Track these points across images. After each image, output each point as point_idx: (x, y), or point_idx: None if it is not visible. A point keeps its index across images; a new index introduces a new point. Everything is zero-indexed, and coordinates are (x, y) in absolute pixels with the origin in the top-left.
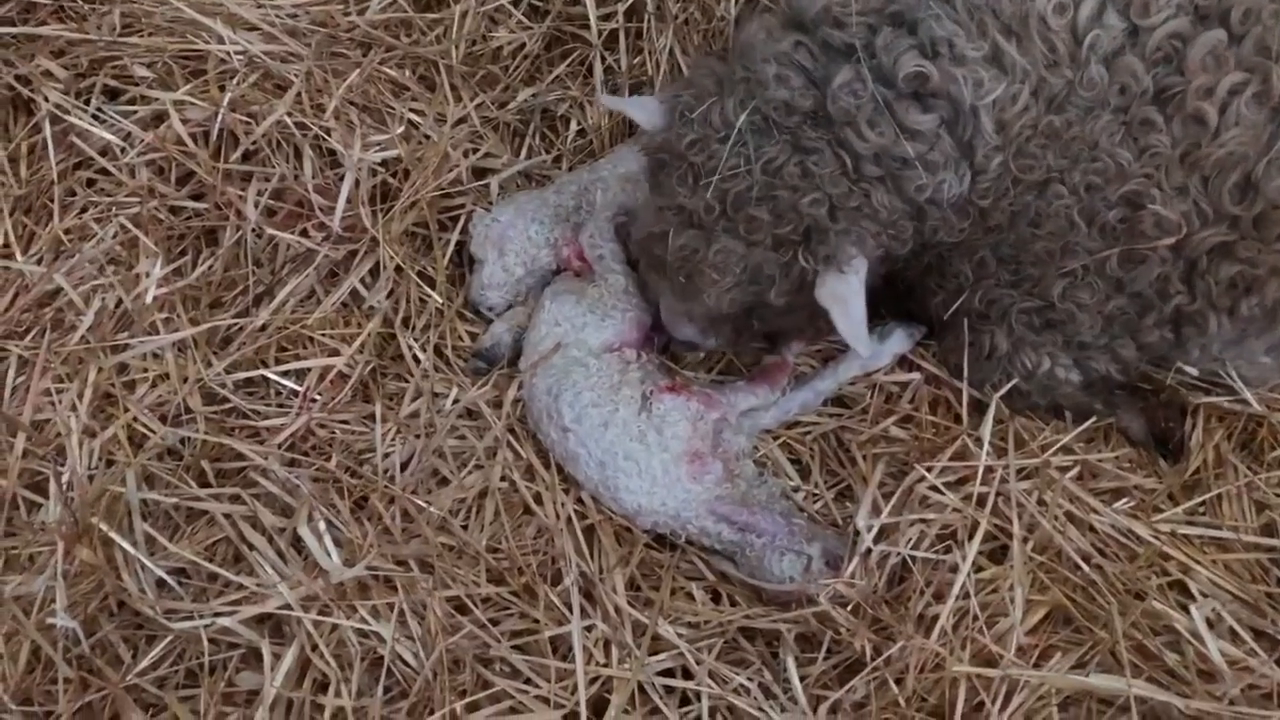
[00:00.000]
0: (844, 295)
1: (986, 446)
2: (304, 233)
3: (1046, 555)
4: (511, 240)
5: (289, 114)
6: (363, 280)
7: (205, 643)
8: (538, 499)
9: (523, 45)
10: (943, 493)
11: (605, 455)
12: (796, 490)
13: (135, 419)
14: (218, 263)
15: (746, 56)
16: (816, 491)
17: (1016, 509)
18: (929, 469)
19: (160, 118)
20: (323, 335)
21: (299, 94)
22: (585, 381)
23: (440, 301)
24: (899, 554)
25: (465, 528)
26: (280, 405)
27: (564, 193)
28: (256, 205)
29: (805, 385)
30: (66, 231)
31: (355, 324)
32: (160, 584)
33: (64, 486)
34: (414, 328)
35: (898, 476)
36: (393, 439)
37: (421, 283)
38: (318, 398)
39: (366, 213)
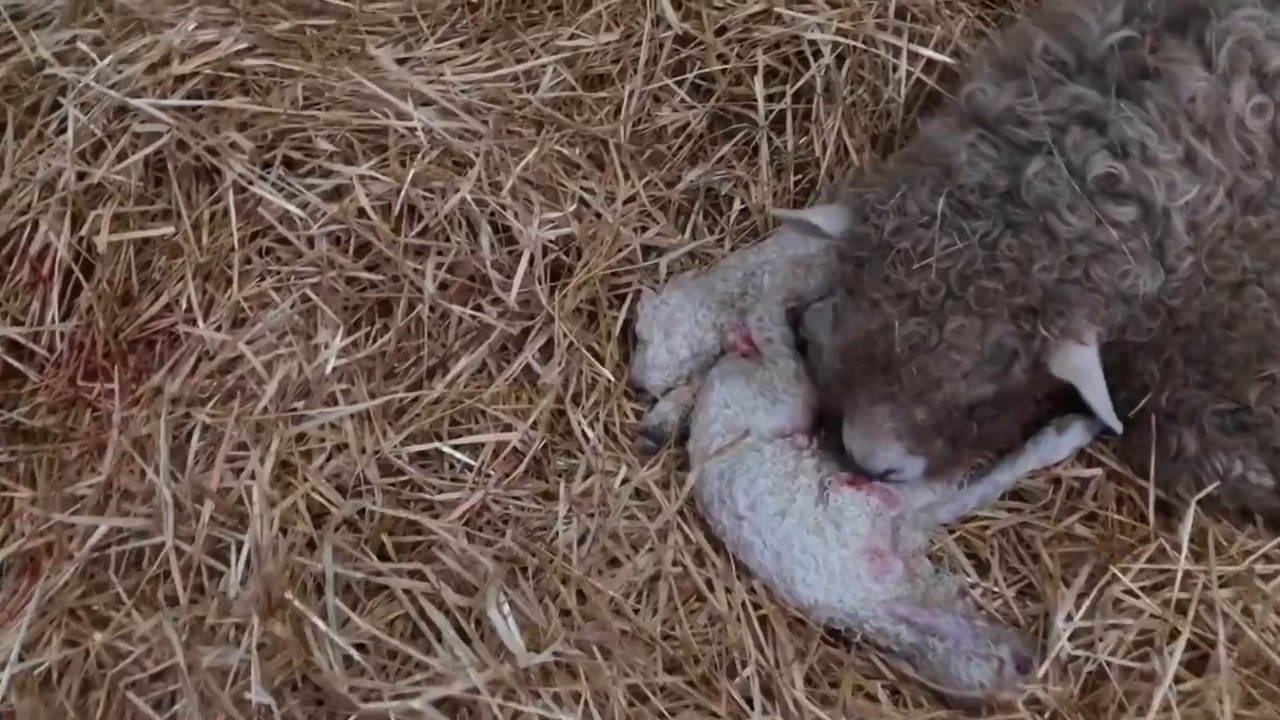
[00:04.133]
0: (1086, 368)
1: (1185, 550)
2: (478, 307)
3: (1253, 669)
4: (678, 323)
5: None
6: (535, 355)
7: None
8: (709, 585)
9: (687, 124)
10: (1139, 597)
11: (781, 546)
12: (975, 587)
13: (314, 489)
14: (393, 335)
15: (929, 150)
16: (996, 589)
17: (1221, 618)
18: (1123, 570)
19: (340, 190)
20: (495, 410)
21: (479, 171)
22: (760, 468)
23: (609, 379)
24: (1095, 660)
25: (637, 612)
26: (454, 479)
27: (730, 278)
28: (434, 279)
29: (983, 479)
30: (246, 299)
31: (527, 399)
32: (345, 660)
33: (247, 557)
34: (583, 404)
35: (1087, 577)
36: (566, 517)
37: (593, 360)
38: (492, 473)
39: (541, 290)
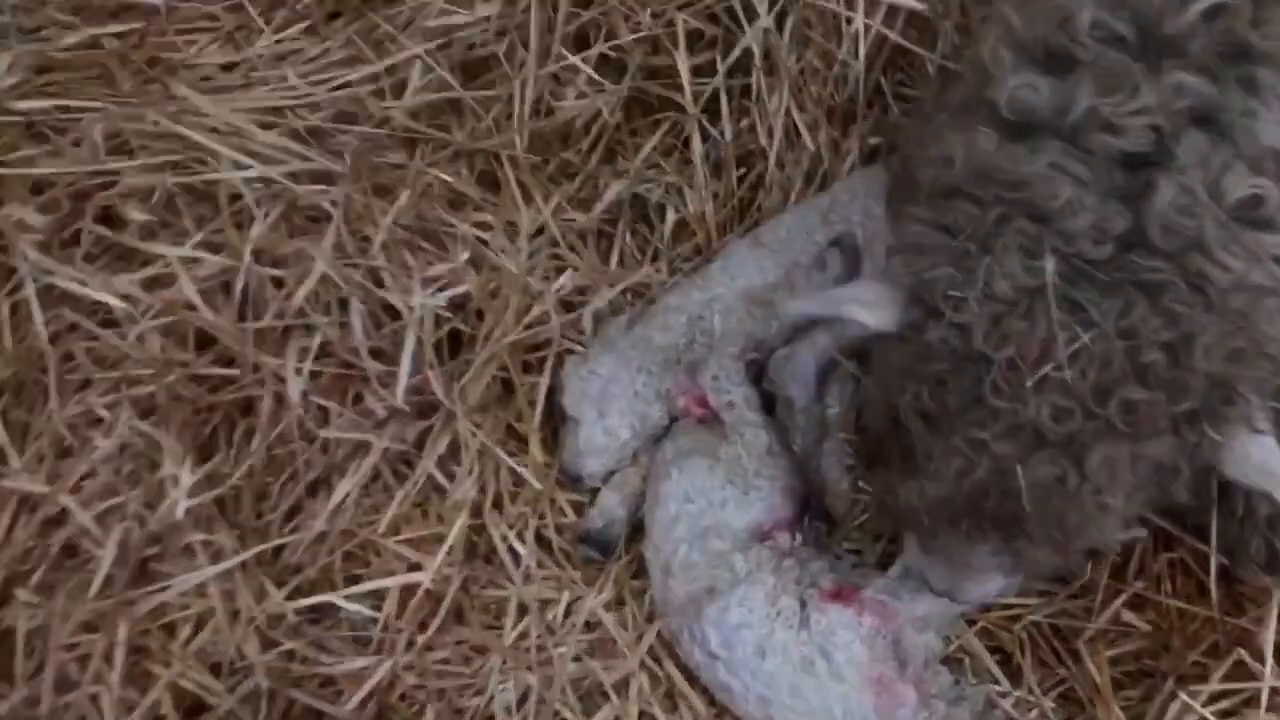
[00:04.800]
0: (1268, 459)
1: (1270, 663)
2: (358, 399)
3: None
4: (614, 397)
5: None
6: (436, 465)
7: None
8: None
9: (598, 114)
10: None
11: (767, 690)
12: (1005, 696)
13: (183, 673)
14: (258, 449)
15: (985, 178)
16: (1032, 698)
17: None
18: (1193, 693)
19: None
20: (397, 545)
21: (337, 229)
22: (733, 594)
23: (534, 471)
24: None
25: None
26: (356, 635)
27: (672, 326)
28: (299, 373)
29: None
30: (70, 424)
31: (436, 517)
32: None
33: None
34: (506, 511)
35: (1141, 683)
36: (502, 673)
37: (509, 458)
38: (403, 629)
39: (436, 376)
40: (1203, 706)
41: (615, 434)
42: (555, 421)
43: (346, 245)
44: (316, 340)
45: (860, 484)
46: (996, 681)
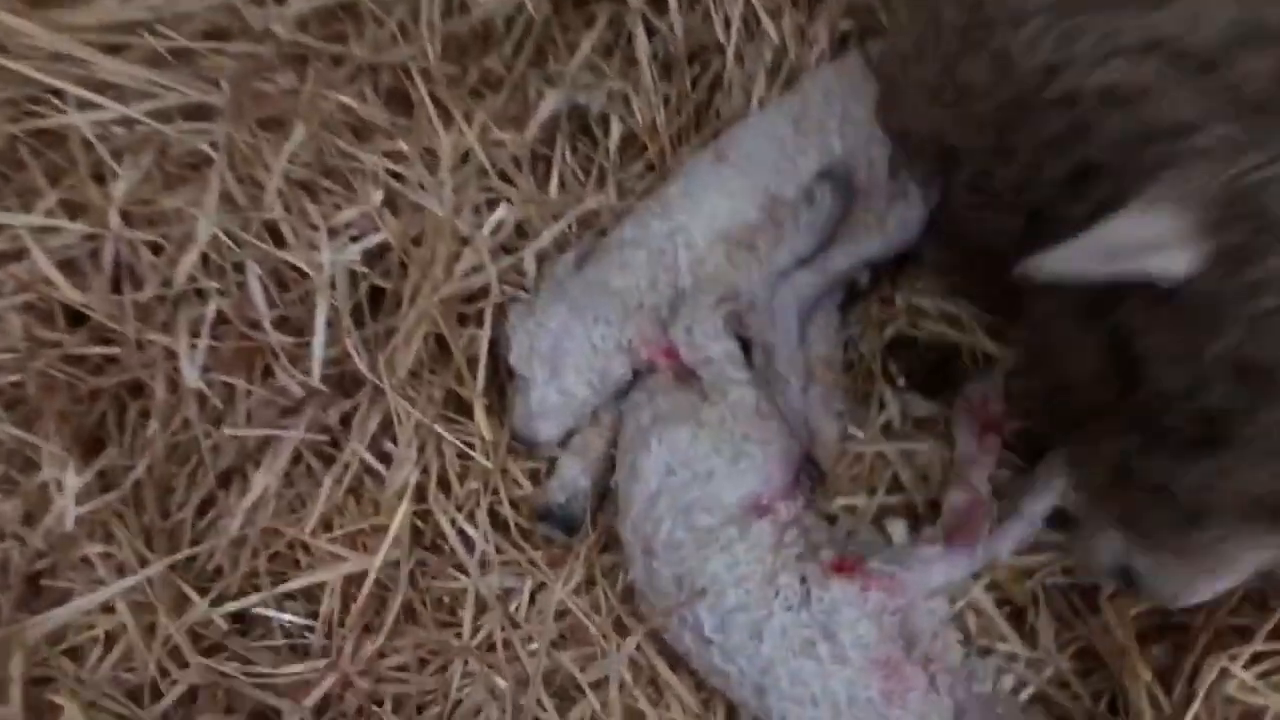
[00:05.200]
0: None
1: None
2: (268, 372)
3: None
4: (568, 353)
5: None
6: (371, 440)
7: None
8: None
9: (520, 8)
10: (1257, 691)
11: (763, 677)
12: (1015, 659)
13: (94, 702)
14: (156, 437)
15: None
16: (1046, 658)
17: None
18: (1232, 655)
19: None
20: (332, 542)
21: (221, 176)
22: (728, 574)
23: (484, 459)
24: None
25: None
26: (292, 643)
27: (631, 265)
28: (194, 347)
29: (1014, 516)
30: None
31: (372, 505)
32: None
33: None
34: (454, 493)
35: (1169, 640)
36: (460, 680)
37: (451, 435)
38: (346, 635)
39: (358, 347)
40: (1243, 669)
41: (571, 393)
42: (502, 380)
43: (235, 195)
44: (211, 309)
45: (851, 431)
46: (1006, 641)
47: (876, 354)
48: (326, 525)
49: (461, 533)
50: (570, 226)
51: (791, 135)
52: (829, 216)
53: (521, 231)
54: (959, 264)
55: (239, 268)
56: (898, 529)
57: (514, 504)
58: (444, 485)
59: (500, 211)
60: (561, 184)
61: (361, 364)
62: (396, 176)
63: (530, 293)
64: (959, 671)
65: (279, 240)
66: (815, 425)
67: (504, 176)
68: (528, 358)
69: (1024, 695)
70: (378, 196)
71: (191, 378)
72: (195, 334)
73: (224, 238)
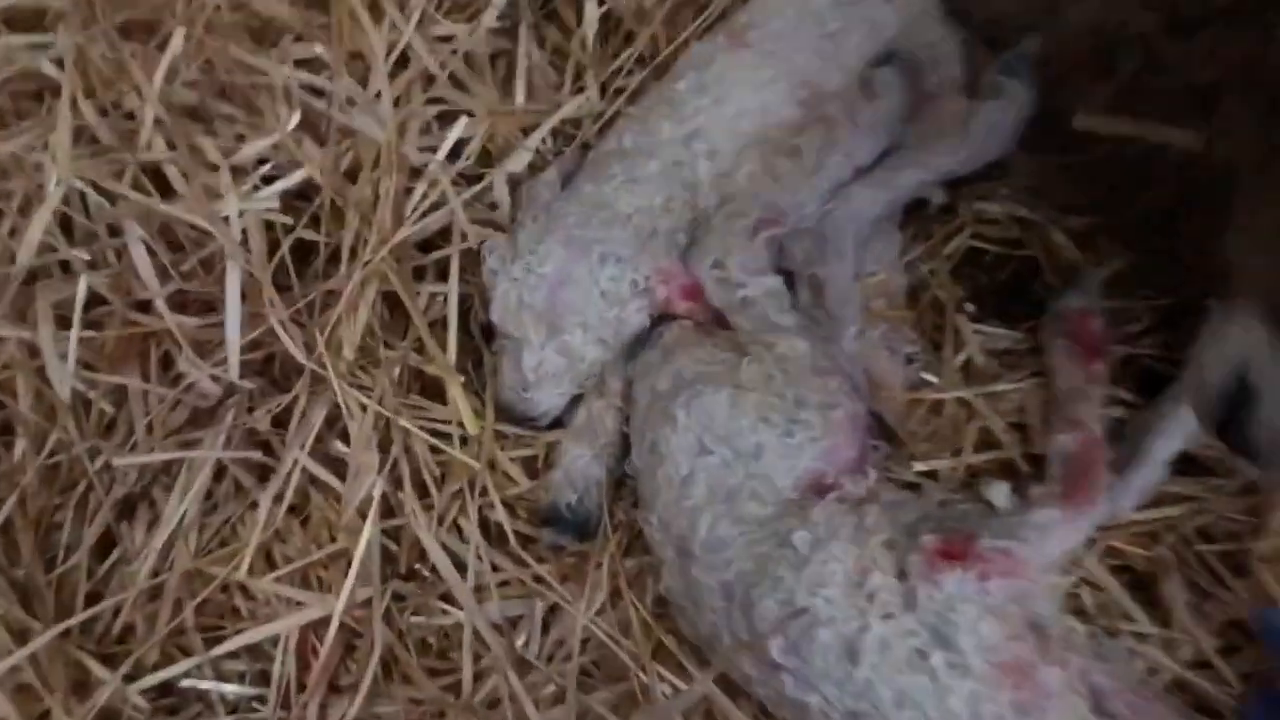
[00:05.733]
0: None
1: None
2: (166, 366)
3: None
4: (571, 303)
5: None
6: (318, 442)
7: None
8: None
9: None
10: None
11: (859, 703)
12: (1145, 639)
13: None
14: (27, 460)
15: None
16: (1182, 636)
17: None
18: None
19: None
20: (279, 582)
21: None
22: (793, 576)
23: (467, 458)
24: None
25: None
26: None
27: (641, 182)
28: (64, 338)
29: (1136, 461)
30: None
31: (325, 528)
32: None
33: None
34: (431, 498)
35: None
36: None
37: (419, 429)
38: (308, 704)
39: (284, 323)
40: None
41: (578, 354)
42: (477, 347)
43: (97, 131)
44: (81, 288)
45: (923, 377)
46: (1134, 620)
47: (944, 278)
48: (269, 560)
49: (447, 551)
50: (545, 141)
51: (829, 6)
52: (893, 113)
53: (485, 156)
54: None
55: (114, 230)
56: (999, 492)
57: (509, 506)
58: (419, 491)
59: (456, 129)
60: (529, 89)
61: (293, 345)
62: (316, 92)
63: (508, 230)
64: (1089, 653)
65: (165, 189)
66: (877, 373)
67: (456, 82)
68: (516, 313)
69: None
70: (293, 119)
71: (62, 380)
72: (63, 322)
73: (89, 191)
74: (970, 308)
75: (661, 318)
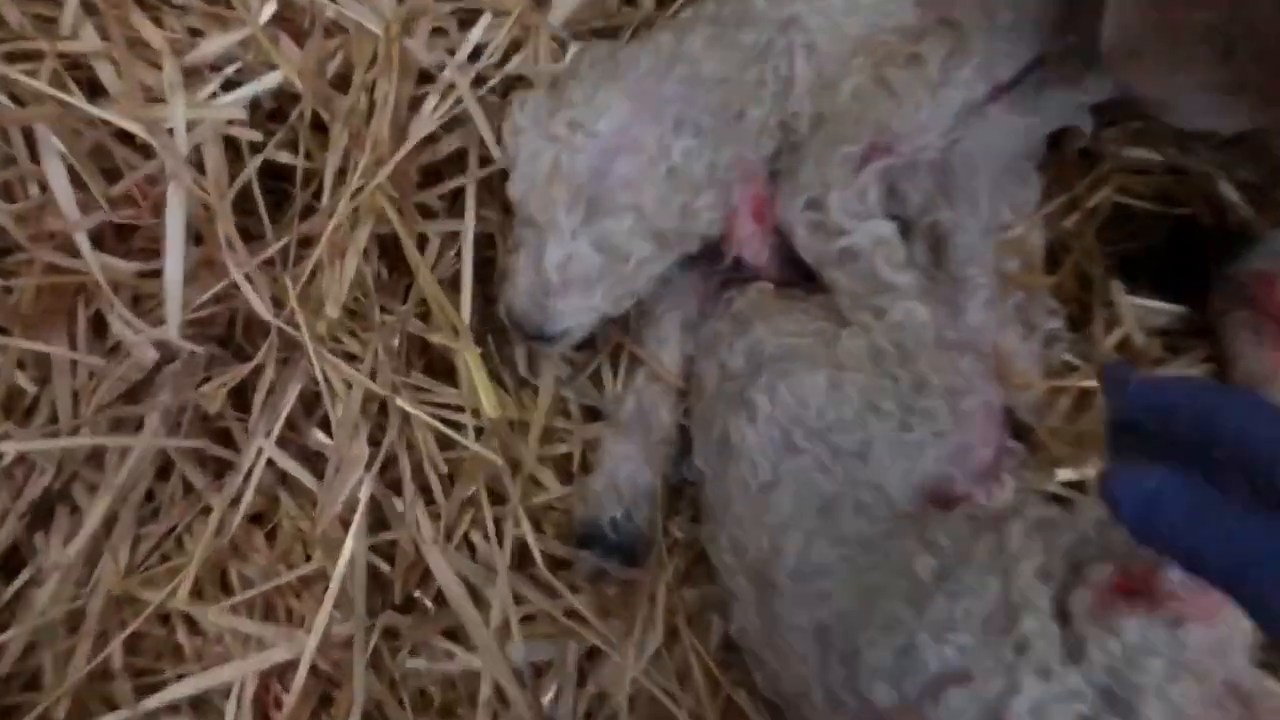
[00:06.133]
0: None
1: None
2: (98, 327)
3: None
4: (627, 176)
5: None
6: (289, 428)
7: None
8: None
9: None
10: None
11: None
12: None
13: None
14: None
15: None
16: None
17: None
18: None
19: None
20: (233, 613)
21: None
22: (913, 615)
23: (487, 451)
24: None
25: None
26: None
27: (734, 51)
28: None
29: None
30: None
31: (294, 541)
32: None
33: None
34: (436, 505)
35: None
36: None
37: (424, 403)
38: None
39: (250, 273)
40: None
41: (621, 250)
42: (495, 316)
43: (6, 16)
44: None
45: (1067, 359)
46: None
47: (1091, 238)
48: (222, 582)
49: (457, 574)
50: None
51: None
52: (1038, 20)
53: (516, 52)
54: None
55: (31, 145)
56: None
57: (537, 519)
58: (423, 495)
59: (480, 26)
60: None
61: (259, 301)
62: None
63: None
64: None
65: (96, 92)
66: (1010, 354)
67: None
68: (546, 186)
69: None
70: (266, 9)
71: None
72: None
73: None
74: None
75: (727, 279)
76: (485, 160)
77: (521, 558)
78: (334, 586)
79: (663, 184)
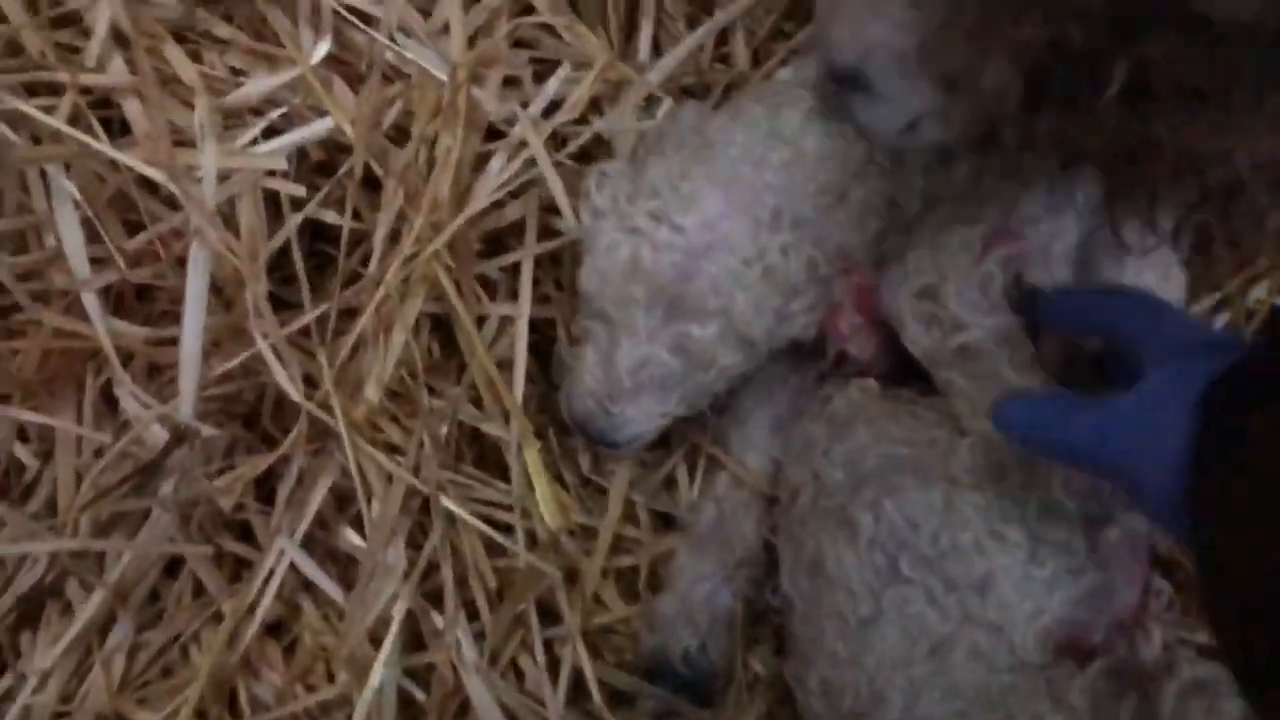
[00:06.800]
0: None
1: None
2: (109, 398)
3: None
4: (716, 277)
5: None
6: (319, 526)
7: None
8: None
9: None
10: None
11: None
12: None
13: None
14: None
15: None
16: None
17: None
18: None
19: None
20: None
21: None
22: None
23: (541, 560)
24: None
25: None
26: None
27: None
28: None
29: None
30: None
31: (317, 660)
32: None
33: None
34: (481, 623)
35: None
36: None
37: (473, 504)
38: None
39: (278, 347)
40: None
41: (704, 357)
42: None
43: (22, 38)
44: None
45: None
46: None
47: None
48: (232, 705)
49: (502, 707)
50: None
51: None
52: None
53: (597, 112)
54: None
55: (48, 190)
56: None
57: (594, 645)
58: (466, 611)
59: (558, 79)
60: (655, 44)
61: (288, 379)
62: (358, 16)
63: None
64: None
65: (125, 133)
66: None
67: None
68: (624, 281)
69: None
70: (319, 49)
71: None
72: None
73: (5, 130)
74: None
75: (824, 374)
76: (548, 230)
77: (576, 689)
78: (359, 714)
79: (756, 287)
